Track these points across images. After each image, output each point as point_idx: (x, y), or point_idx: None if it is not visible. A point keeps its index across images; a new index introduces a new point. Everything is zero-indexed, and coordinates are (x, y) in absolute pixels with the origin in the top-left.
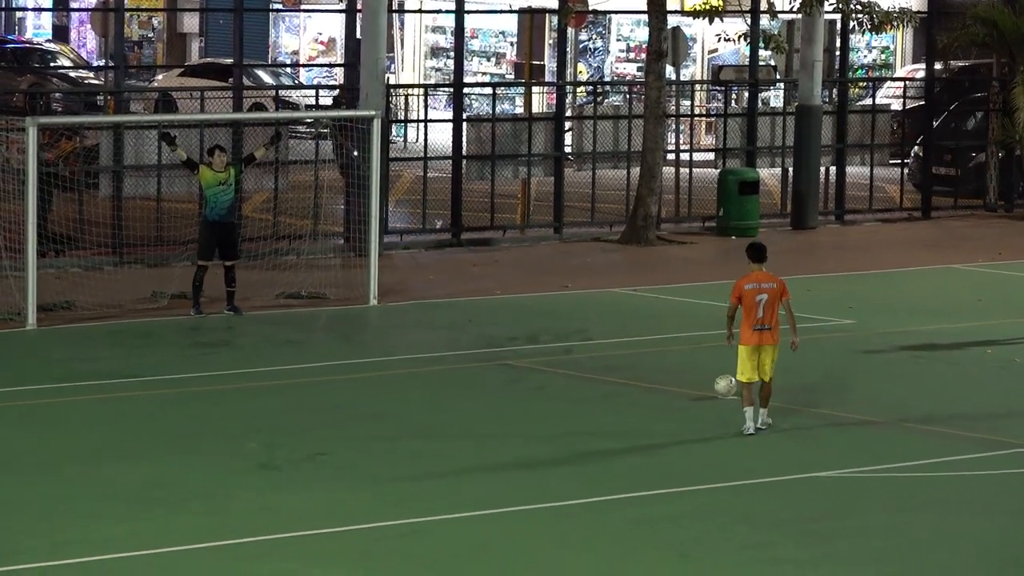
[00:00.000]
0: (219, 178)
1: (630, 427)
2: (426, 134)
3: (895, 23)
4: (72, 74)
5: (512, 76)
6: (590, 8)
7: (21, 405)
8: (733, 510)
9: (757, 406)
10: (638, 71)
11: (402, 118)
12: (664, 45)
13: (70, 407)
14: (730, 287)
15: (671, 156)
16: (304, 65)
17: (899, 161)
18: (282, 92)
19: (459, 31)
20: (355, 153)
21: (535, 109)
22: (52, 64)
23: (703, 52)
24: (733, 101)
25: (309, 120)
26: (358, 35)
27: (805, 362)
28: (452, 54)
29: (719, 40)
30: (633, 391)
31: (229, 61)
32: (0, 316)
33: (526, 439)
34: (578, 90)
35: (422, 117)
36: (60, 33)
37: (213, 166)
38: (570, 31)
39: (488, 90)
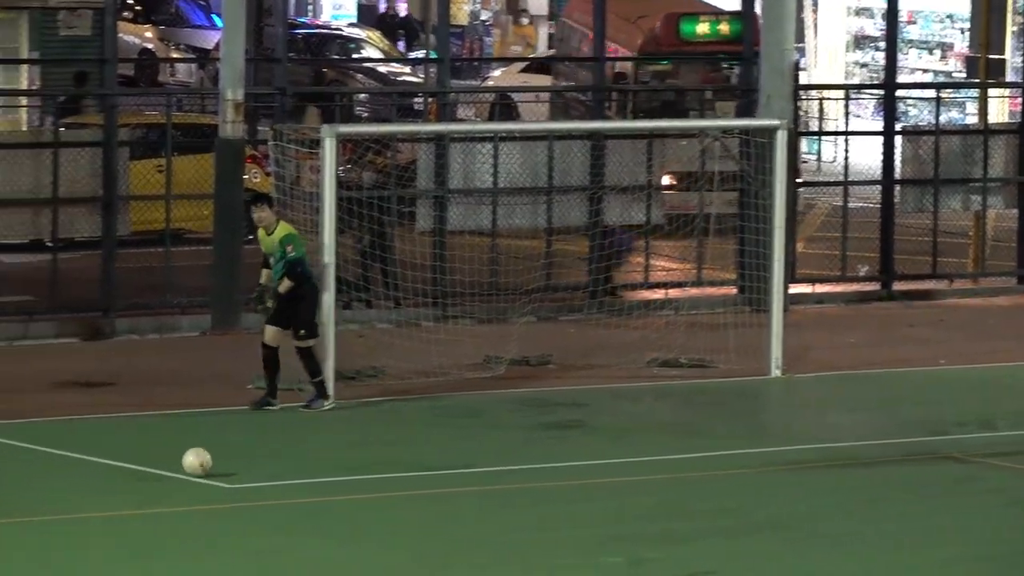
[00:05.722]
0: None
1: None
2: (847, 151)
3: None
4: (382, 69)
5: (963, 74)
6: None
7: (308, 503)
8: None
9: None
10: None
11: (816, 129)
12: None
13: (373, 507)
14: None
15: None
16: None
17: None
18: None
19: (892, 15)
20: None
21: (993, 119)
22: (356, 56)
23: None
24: None
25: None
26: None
27: None
28: (882, 45)
29: None
30: None
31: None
32: (285, 386)
33: (977, 559)
34: None
35: (842, 128)
36: (367, 16)
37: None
38: None
39: (930, 92)
